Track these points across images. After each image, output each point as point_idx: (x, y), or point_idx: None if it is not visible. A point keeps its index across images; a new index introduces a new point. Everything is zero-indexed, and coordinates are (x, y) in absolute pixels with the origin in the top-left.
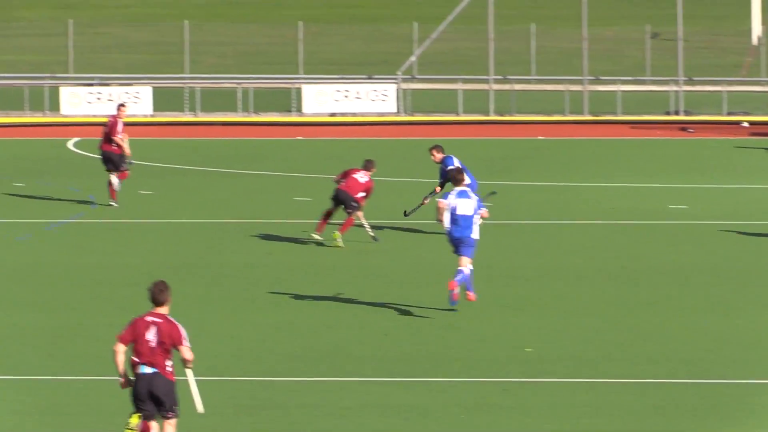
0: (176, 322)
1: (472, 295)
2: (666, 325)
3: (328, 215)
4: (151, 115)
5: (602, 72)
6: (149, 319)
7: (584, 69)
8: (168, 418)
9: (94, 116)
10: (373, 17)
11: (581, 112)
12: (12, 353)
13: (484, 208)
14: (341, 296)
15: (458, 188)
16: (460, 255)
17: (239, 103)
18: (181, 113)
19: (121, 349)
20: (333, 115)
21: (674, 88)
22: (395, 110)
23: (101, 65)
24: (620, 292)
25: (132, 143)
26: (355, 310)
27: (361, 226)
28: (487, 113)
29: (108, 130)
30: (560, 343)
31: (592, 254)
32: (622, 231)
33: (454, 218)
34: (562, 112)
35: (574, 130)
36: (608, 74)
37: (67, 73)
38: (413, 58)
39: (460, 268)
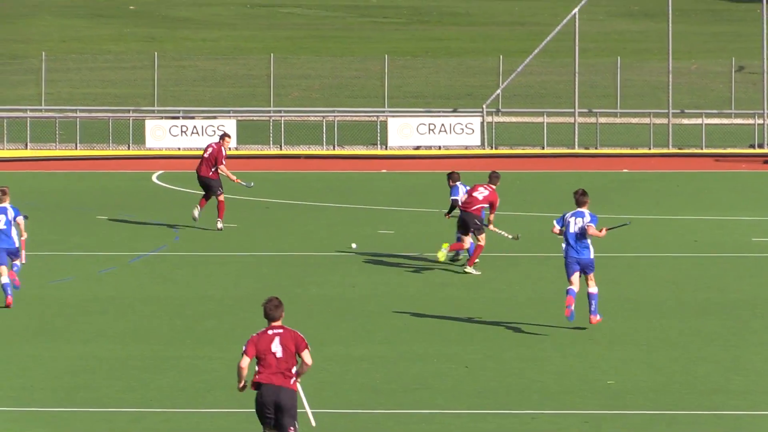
0: (297, 331)
1: (597, 317)
2: (748, 358)
3: (459, 244)
4: (236, 148)
5: (687, 105)
6: (271, 332)
7: (669, 102)
8: None
9: (179, 149)
10: (458, 51)
11: (666, 145)
12: (93, 385)
13: (593, 225)
14: (423, 327)
15: (577, 209)
16: (586, 276)
17: (324, 136)
18: (265, 146)
19: (245, 364)
20: (417, 148)
21: (759, 121)
22: (480, 143)
23: (186, 98)
24: (703, 324)
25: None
26: (436, 342)
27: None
28: (572, 146)
29: (210, 157)
30: (642, 376)
31: (676, 286)
32: (706, 264)
33: (568, 238)
34: (647, 145)
35: (658, 163)
36: (693, 107)
37: (152, 106)
38: (498, 92)
39: (591, 292)
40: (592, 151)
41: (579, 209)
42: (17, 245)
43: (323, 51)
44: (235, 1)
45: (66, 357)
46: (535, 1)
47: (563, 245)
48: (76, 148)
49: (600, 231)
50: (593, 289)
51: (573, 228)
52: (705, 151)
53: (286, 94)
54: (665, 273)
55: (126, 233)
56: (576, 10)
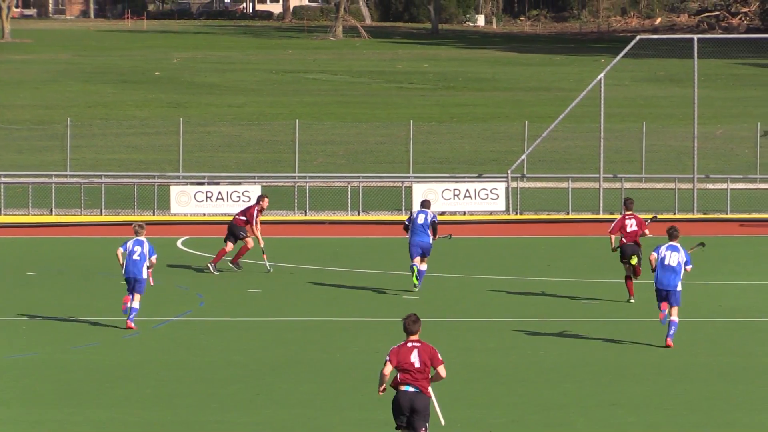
0: (432, 346)
1: (670, 341)
2: None
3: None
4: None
5: (712, 170)
6: (410, 345)
7: (694, 167)
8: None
9: (204, 215)
10: (484, 116)
11: (691, 210)
12: None
13: (690, 265)
14: (447, 392)
15: (670, 242)
16: (670, 305)
17: (348, 202)
18: (290, 212)
19: (388, 371)
20: (442, 213)
21: None
22: (504, 209)
23: (211, 164)
24: (728, 389)
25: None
26: (461, 407)
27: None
28: (597, 211)
29: (246, 212)
30: None
31: (701, 351)
32: (731, 328)
33: (662, 268)
34: (672, 210)
35: (683, 227)
36: (718, 172)
37: (176, 171)
38: (523, 157)
39: (672, 320)
40: (617, 216)
41: (672, 243)
42: (144, 278)
43: (348, 116)
44: (260, 67)
45: (91, 422)
46: (560, 66)
47: (656, 275)
48: (101, 214)
49: (690, 268)
50: (675, 318)
51: (669, 260)
52: (730, 216)
53: (311, 159)
54: (690, 337)
55: (151, 298)
56: (601, 75)
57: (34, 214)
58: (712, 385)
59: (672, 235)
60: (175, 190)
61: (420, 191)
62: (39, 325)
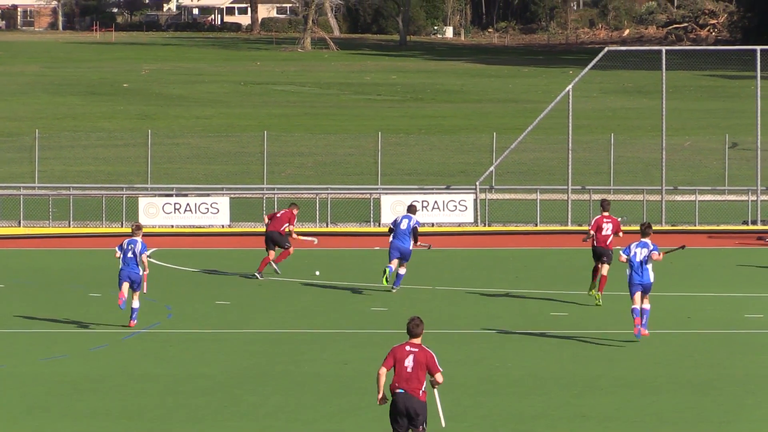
0: (431, 351)
1: (645, 331)
2: None
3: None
4: (229, 226)
5: (680, 182)
6: (408, 348)
7: (663, 179)
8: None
9: (172, 227)
10: (452, 128)
11: (659, 222)
12: None
13: (657, 251)
14: None
15: (642, 239)
16: (644, 294)
17: (317, 214)
18: (258, 224)
19: (383, 372)
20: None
21: (752, 197)
22: (473, 220)
23: (179, 175)
24: (696, 401)
25: (209, 254)
26: (429, 419)
27: None
28: (565, 223)
29: (282, 218)
30: None
31: (669, 363)
32: (699, 340)
33: (632, 265)
34: (640, 222)
35: (651, 239)
36: (686, 184)
37: (145, 183)
38: (492, 169)
39: (644, 308)
40: (585, 227)
41: (643, 240)
42: (140, 275)
43: (316, 128)
44: (229, 79)
45: None
46: (528, 78)
47: (627, 271)
48: (69, 226)
49: (659, 255)
50: (647, 305)
51: (639, 257)
52: (698, 227)
53: (279, 171)
54: (659, 349)
55: (119, 310)
56: (570, 87)
57: (2, 226)
58: (681, 397)
59: (644, 232)
60: (143, 201)
61: (388, 203)
62: (6, 338)
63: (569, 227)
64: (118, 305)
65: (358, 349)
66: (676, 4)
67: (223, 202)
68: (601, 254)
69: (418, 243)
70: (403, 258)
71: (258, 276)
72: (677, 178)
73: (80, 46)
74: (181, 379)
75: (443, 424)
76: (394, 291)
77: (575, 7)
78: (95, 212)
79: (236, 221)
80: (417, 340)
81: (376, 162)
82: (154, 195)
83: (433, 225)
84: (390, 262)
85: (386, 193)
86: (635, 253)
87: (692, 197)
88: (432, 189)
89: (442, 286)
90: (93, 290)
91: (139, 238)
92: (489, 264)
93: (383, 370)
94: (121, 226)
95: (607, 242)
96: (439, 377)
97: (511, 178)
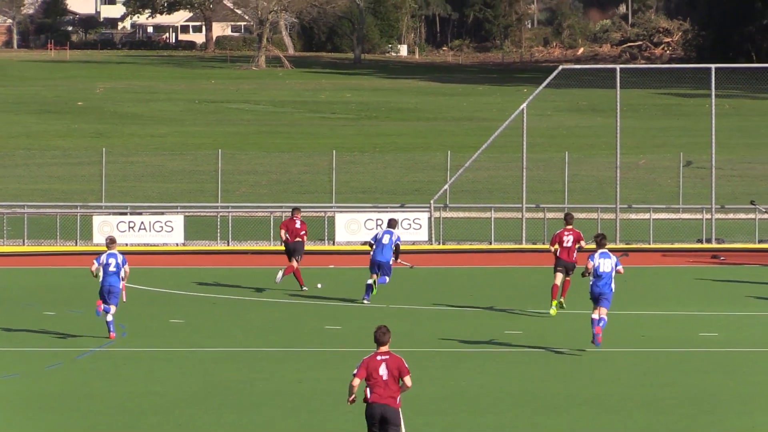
0: (400, 357)
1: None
2: None
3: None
4: (183, 244)
5: (635, 200)
6: (378, 357)
7: (617, 197)
8: None
9: (126, 245)
10: (406, 146)
11: (613, 240)
12: None
13: (620, 266)
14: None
15: (600, 250)
16: (600, 306)
17: (271, 232)
18: (213, 242)
19: (357, 383)
20: (365, 243)
21: (707, 216)
22: (427, 239)
23: (134, 194)
24: (650, 420)
25: (163, 272)
26: None
27: None
28: (519, 241)
29: (302, 227)
30: None
31: (623, 382)
32: (653, 359)
33: (597, 275)
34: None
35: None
36: (641, 202)
37: (99, 201)
38: (446, 187)
39: (602, 316)
40: (539, 246)
41: (603, 251)
42: (119, 287)
43: (271, 146)
44: (183, 97)
45: None
46: (483, 96)
47: (591, 279)
48: (24, 244)
49: (622, 269)
50: (604, 316)
51: (604, 267)
52: (652, 246)
53: (233, 189)
54: (612, 368)
55: (73, 329)
56: (524, 105)
57: None
58: (636, 415)
59: (600, 243)
60: (97, 220)
61: (343, 221)
62: None
63: (524, 245)
64: (96, 312)
65: (312, 367)
66: (630, 23)
67: (178, 221)
68: (564, 267)
69: (399, 261)
70: (384, 273)
71: (304, 288)
72: (632, 197)
73: (35, 64)
74: (135, 397)
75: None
76: (366, 302)
77: (529, 26)
78: (49, 230)
79: (191, 239)
80: (385, 348)
81: (331, 180)
82: (109, 213)
83: None
84: (371, 277)
85: (341, 212)
86: (599, 263)
87: (647, 215)
88: (386, 207)
89: (396, 305)
90: (47, 309)
91: (116, 251)
92: (443, 282)
93: (357, 381)
94: (76, 245)
95: (571, 255)
96: (408, 380)
97: (465, 196)
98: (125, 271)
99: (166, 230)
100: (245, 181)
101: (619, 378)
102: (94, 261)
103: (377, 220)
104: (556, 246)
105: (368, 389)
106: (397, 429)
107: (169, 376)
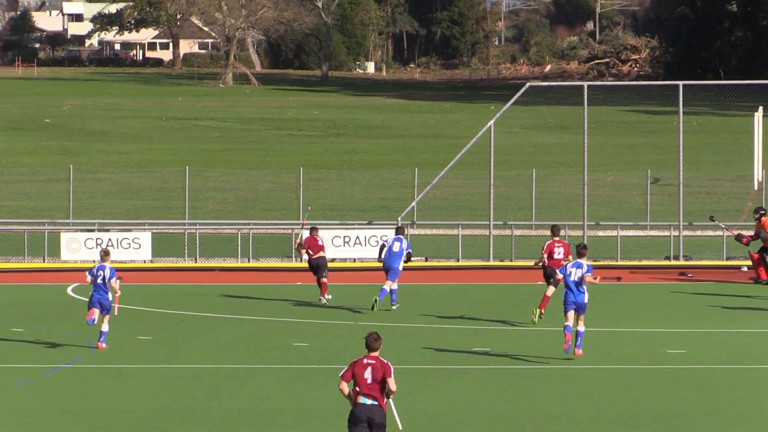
0: (387, 362)
1: (579, 351)
2: None
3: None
4: (150, 261)
5: (602, 217)
6: (366, 361)
7: (584, 214)
8: None
9: (94, 262)
10: (374, 163)
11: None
12: None
13: (591, 273)
14: None
15: (577, 260)
16: (578, 315)
17: (239, 249)
18: (180, 259)
19: (344, 386)
20: (333, 260)
21: (674, 233)
22: None
23: (101, 211)
24: None
25: (131, 288)
26: None
27: None
28: (487, 258)
29: (323, 244)
30: None
31: (591, 399)
32: (621, 376)
33: (568, 284)
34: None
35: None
36: (608, 219)
37: (67, 218)
38: (413, 204)
39: (579, 330)
40: (506, 263)
41: (578, 260)
42: (110, 299)
43: (238, 163)
44: (150, 114)
45: None
46: (450, 113)
47: (565, 290)
48: None
49: (595, 279)
50: (581, 328)
51: (573, 276)
52: (620, 263)
53: (201, 206)
54: (580, 385)
55: (41, 345)
56: (491, 122)
57: None
58: None
59: (579, 253)
60: (65, 237)
61: None
62: None
63: (491, 263)
64: (86, 321)
65: (280, 384)
66: (598, 39)
67: (145, 238)
68: (551, 276)
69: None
70: (392, 279)
71: (326, 298)
72: (599, 214)
73: (2, 81)
74: (104, 414)
75: (400, 427)
76: (394, 308)
77: (497, 43)
78: (17, 247)
79: (158, 256)
80: (375, 353)
81: (298, 197)
82: (76, 230)
83: (354, 260)
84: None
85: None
86: (570, 272)
87: (614, 233)
88: (353, 224)
89: (363, 322)
90: (15, 325)
91: (107, 264)
92: (410, 299)
93: (344, 384)
94: (44, 261)
95: (560, 264)
96: (391, 383)
97: (432, 213)
98: (112, 286)
99: (133, 247)
100: (213, 198)
101: (588, 395)
102: (87, 274)
103: (345, 237)
104: (546, 256)
105: (355, 391)
106: (383, 428)
107: (137, 393)
